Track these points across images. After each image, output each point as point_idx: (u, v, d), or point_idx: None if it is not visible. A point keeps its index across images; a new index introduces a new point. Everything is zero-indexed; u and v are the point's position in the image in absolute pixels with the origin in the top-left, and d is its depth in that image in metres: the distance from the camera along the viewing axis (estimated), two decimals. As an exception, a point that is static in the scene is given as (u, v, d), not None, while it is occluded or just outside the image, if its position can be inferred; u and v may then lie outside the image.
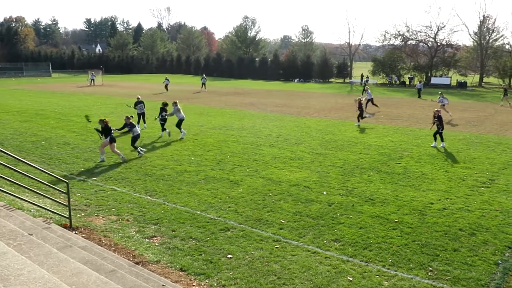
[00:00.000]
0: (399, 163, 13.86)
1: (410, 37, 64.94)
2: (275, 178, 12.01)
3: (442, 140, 16.40)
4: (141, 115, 20.60)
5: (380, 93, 44.42)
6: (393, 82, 61.31)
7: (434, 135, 16.59)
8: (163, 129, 18.27)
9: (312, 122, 22.86)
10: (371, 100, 27.24)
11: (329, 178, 12.07)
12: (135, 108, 20.56)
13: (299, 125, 21.69)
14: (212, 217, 9.04)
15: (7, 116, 24.46)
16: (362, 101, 22.58)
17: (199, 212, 9.34)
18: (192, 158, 14.36)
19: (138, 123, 19.67)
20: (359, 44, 79.66)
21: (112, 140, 13.55)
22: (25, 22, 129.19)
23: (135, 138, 14.66)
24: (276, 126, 21.35)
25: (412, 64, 64.76)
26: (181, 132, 17.91)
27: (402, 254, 7.36)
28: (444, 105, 24.33)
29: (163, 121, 18.25)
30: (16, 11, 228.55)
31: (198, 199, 10.17)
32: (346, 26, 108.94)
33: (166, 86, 42.44)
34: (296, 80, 67.42)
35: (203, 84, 45.00)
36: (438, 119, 16.35)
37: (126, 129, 15.04)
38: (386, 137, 18.55)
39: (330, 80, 68.11)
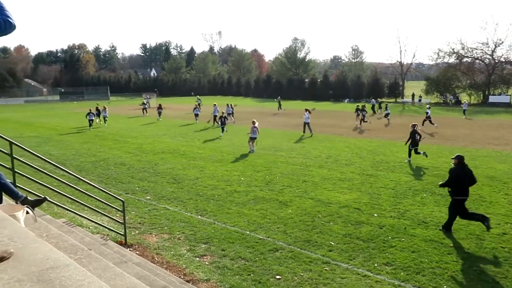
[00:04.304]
0: (455, 185, 13.31)
1: (465, 55, 62.91)
2: (324, 199, 11.92)
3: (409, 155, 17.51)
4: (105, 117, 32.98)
5: (434, 112, 43.07)
6: (448, 101, 59.29)
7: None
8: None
9: (363, 143, 22.52)
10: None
11: (380, 200, 11.83)
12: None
13: (349, 146, 21.43)
14: (261, 237, 9.10)
15: (69, 137, 25.92)
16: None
17: (248, 232, 9.43)
18: (242, 178, 14.55)
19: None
20: (411, 63, 77.85)
21: None
22: (87, 49, 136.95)
23: None
24: (325, 147, 21.23)
25: (468, 82, 62.45)
26: None
27: (458, 281, 7.06)
28: None
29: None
30: (79, 39, 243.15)
31: (247, 219, 10.27)
32: (397, 45, 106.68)
33: (144, 109, 42.68)
34: (346, 100, 66.82)
35: (147, 102, 48.04)
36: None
37: None
38: (440, 158, 17.92)
39: (381, 100, 66.94)
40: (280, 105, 46.87)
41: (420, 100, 60.08)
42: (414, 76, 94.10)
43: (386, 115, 34.56)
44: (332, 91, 71.80)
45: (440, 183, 10.04)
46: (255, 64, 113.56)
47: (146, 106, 43.76)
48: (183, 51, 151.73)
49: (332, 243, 8.70)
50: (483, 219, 9.12)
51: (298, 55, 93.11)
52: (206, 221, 10.25)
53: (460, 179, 9.27)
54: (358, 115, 31.14)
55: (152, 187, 13.52)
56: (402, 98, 68.89)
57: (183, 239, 9.10)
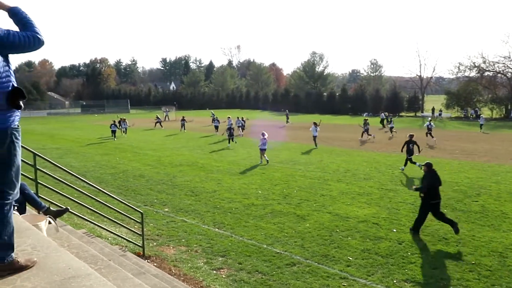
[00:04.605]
0: (476, 201, 13.09)
1: (487, 68, 62.12)
2: (342, 213, 11.83)
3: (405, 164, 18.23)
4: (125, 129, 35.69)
5: (455, 127, 42.54)
6: (469, 115, 58.43)
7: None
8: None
9: (382, 157, 22.31)
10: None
11: (399, 215, 11.68)
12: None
13: (368, 160, 21.25)
14: (278, 251, 9.06)
15: (90, 149, 26.35)
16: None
17: (265, 245, 9.40)
18: (259, 192, 14.55)
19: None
20: (431, 77, 77.15)
21: None
22: (108, 63, 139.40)
23: None
24: (344, 160, 21.10)
25: (489, 97, 61.52)
26: None
27: (480, 299, 6.89)
28: None
29: None
30: (101, 53, 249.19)
31: (264, 233, 10.25)
32: (416, 59, 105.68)
33: (158, 123, 43.49)
34: (365, 114, 66.41)
35: (166, 115, 54.48)
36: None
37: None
38: (461, 173, 17.63)
39: (400, 114, 66.34)
40: (287, 118, 47.71)
41: (440, 114, 59.40)
42: (434, 90, 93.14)
43: (391, 128, 35.67)
44: (351, 104, 71.56)
45: (415, 187, 11.01)
46: (273, 77, 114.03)
47: (160, 119, 44.31)
48: (202, 65, 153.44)
49: (350, 258, 8.61)
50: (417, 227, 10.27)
51: (317, 69, 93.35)
52: (224, 234, 10.26)
53: (432, 184, 10.17)
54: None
55: (170, 200, 13.62)
56: (422, 112, 68.21)
57: (200, 251, 9.12)
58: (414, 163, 17.79)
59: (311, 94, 79.44)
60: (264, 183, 15.84)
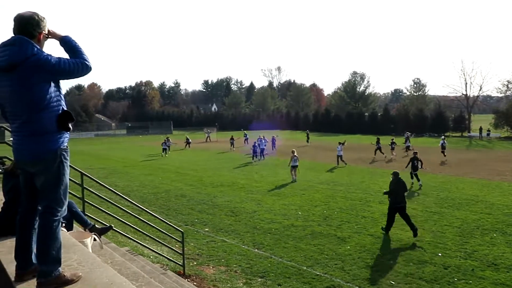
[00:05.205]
0: (529, 225, 12.41)
1: (538, 86, 59.33)
2: (384, 236, 11.52)
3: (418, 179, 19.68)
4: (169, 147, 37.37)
5: (505, 147, 40.75)
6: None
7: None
8: None
9: (426, 178, 21.62)
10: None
11: (444, 238, 11.25)
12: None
13: (411, 181, 20.64)
14: (318, 273, 8.93)
15: (134, 169, 27.10)
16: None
17: (305, 267, 9.29)
18: (299, 213, 14.44)
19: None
20: (478, 96, 74.43)
21: None
22: (152, 86, 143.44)
23: None
24: (386, 182, 20.53)
25: (542, 115, 58.60)
26: None
27: (534, 329, 6.49)
28: None
29: None
30: (146, 76, 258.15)
31: (304, 254, 10.14)
32: (462, 78, 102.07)
33: (188, 144, 44.02)
34: (407, 134, 64.81)
35: (208, 136, 54.99)
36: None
37: None
38: (512, 195, 16.81)
39: (446, 134, 64.26)
40: (308, 137, 48.64)
41: (488, 134, 57.07)
42: (482, 109, 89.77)
43: (407, 147, 36.04)
44: (393, 125, 69.97)
45: (384, 191, 12.52)
46: (314, 98, 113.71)
47: (189, 140, 44.86)
48: (243, 86, 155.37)
49: (393, 282, 8.35)
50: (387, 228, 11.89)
51: (358, 89, 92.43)
52: (263, 254, 10.23)
53: (394, 190, 11.76)
54: (392, 148, 32.50)
55: (210, 219, 13.75)
56: (469, 132, 65.72)
57: (239, 272, 9.13)
58: (418, 180, 19.52)
59: (352, 114, 78.44)
60: (304, 204, 15.72)
